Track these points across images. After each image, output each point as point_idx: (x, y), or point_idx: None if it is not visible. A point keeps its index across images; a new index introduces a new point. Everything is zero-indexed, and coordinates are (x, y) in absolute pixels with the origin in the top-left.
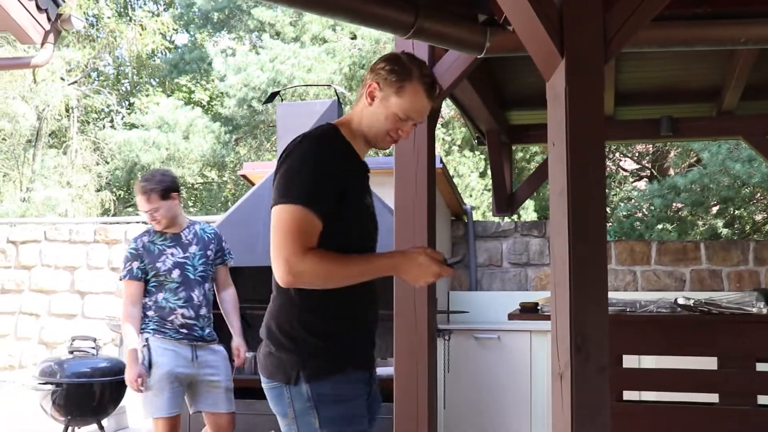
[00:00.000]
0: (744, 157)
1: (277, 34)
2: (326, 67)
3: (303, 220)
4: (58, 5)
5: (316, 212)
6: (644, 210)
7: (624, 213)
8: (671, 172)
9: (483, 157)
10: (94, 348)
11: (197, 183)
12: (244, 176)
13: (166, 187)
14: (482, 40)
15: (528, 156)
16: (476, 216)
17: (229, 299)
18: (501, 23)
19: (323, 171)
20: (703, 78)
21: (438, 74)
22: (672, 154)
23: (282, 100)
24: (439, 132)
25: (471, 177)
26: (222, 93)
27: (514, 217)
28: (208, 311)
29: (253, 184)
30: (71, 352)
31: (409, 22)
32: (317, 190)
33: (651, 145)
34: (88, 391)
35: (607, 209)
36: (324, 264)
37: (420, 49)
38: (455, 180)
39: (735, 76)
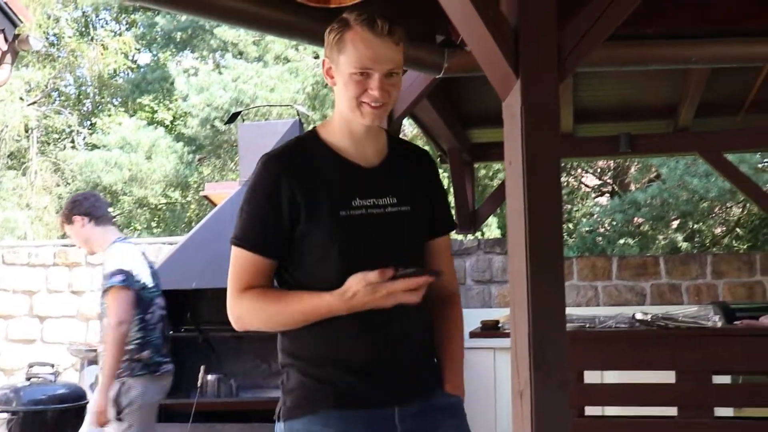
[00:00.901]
0: (701, 172)
1: (240, 53)
2: (289, 86)
3: (241, 261)
4: (15, 26)
5: (255, 251)
6: (606, 225)
7: (586, 228)
8: (632, 187)
9: (446, 174)
10: (52, 374)
11: (160, 203)
12: (206, 197)
13: (68, 212)
14: (440, 61)
15: (491, 173)
16: None
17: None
18: (458, 44)
19: (261, 202)
20: (659, 96)
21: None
22: (632, 169)
23: (243, 120)
24: None
25: None
26: (185, 113)
27: (477, 234)
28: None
29: (215, 205)
30: (28, 379)
31: None
32: (254, 226)
33: (612, 161)
34: (45, 419)
35: (570, 225)
36: (259, 306)
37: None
38: None
39: (689, 93)
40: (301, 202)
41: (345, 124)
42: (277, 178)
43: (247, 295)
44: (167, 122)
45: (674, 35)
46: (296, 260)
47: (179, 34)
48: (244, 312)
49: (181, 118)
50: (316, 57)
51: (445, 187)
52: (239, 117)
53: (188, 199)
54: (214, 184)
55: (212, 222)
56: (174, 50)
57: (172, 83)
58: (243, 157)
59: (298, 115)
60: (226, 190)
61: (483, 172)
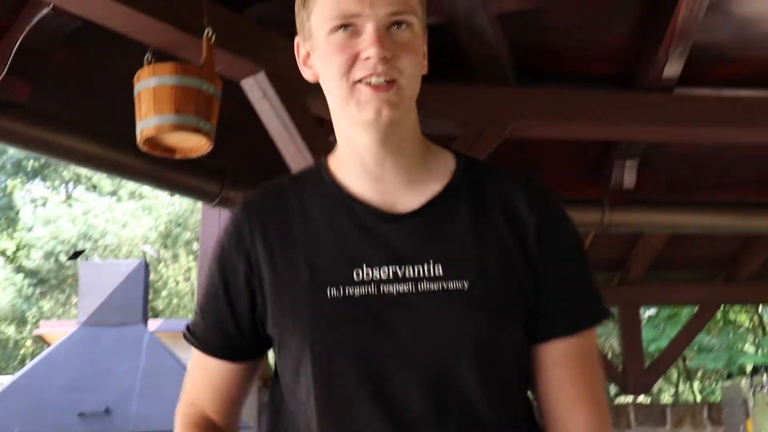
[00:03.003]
0: None
1: (94, 186)
2: (142, 222)
3: (192, 358)
4: None
5: (200, 347)
6: None
7: None
8: None
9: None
10: None
11: None
12: (40, 336)
13: None
14: None
15: None
16: None
17: None
18: None
19: (214, 273)
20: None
21: None
22: None
23: (87, 258)
24: None
25: None
26: (29, 244)
27: None
28: None
29: (49, 344)
30: None
31: (214, 191)
32: (203, 308)
33: None
34: None
35: None
36: None
37: (227, 217)
38: None
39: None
40: (265, 276)
41: (349, 143)
42: (238, 238)
43: (180, 419)
44: (9, 253)
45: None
46: (276, 373)
47: (31, 162)
48: None
49: (24, 249)
50: (172, 194)
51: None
52: (83, 255)
53: (23, 335)
54: (51, 321)
55: (43, 364)
56: (24, 178)
57: (17, 212)
58: (83, 296)
59: (144, 256)
60: (63, 329)
61: None
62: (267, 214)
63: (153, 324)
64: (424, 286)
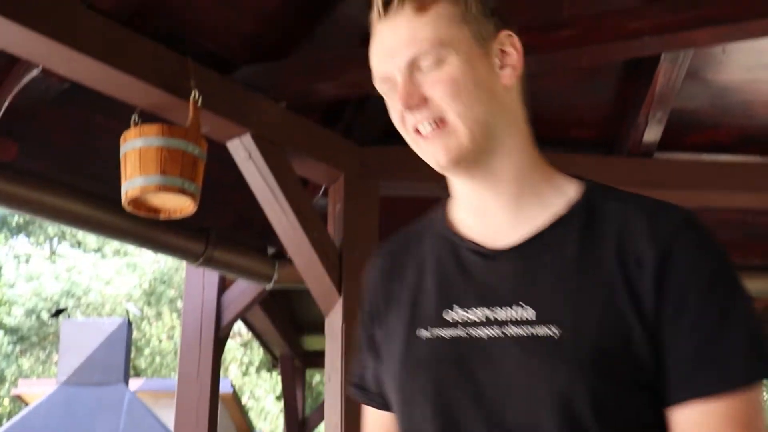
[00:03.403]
0: None
1: (78, 243)
2: (126, 280)
3: (367, 424)
4: None
5: (359, 395)
6: None
7: None
8: None
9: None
10: None
11: None
12: (18, 396)
13: None
14: (270, 272)
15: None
16: None
17: None
18: (289, 257)
19: (359, 322)
20: None
21: (228, 301)
22: None
23: (69, 316)
24: (237, 353)
25: (267, 399)
26: (10, 301)
27: None
28: None
29: (27, 404)
30: None
31: (198, 251)
32: (357, 357)
33: None
34: None
35: None
36: None
37: (211, 276)
38: (251, 402)
39: None
40: (383, 320)
41: (451, 182)
42: (371, 284)
43: None
44: None
45: None
46: None
47: (15, 218)
48: None
49: (5, 306)
50: (156, 253)
51: (279, 393)
52: (65, 312)
53: (1, 394)
54: (30, 380)
55: (20, 424)
56: (8, 234)
57: (0, 268)
58: (63, 355)
59: (128, 313)
60: (42, 388)
61: (318, 377)
62: (392, 258)
63: (135, 383)
64: (512, 330)
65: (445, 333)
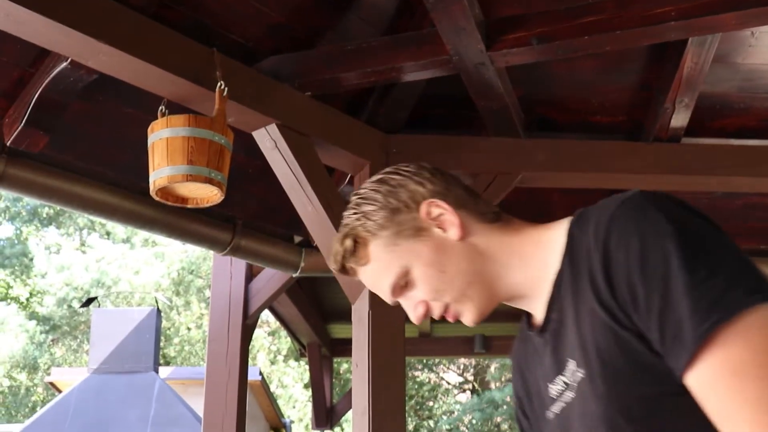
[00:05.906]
0: None
1: (108, 233)
2: (155, 270)
3: None
4: None
5: None
6: (465, 424)
7: (447, 427)
8: (492, 385)
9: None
10: None
11: (2, 386)
12: (51, 384)
13: None
14: (297, 260)
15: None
16: (299, 429)
17: None
18: (315, 245)
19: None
20: None
21: (255, 290)
22: (492, 368)
23: (99, 305)
24: (265, 341)
25: (295, 388)
26: (42, 291)
27: (337, 429)
28: None
29: (60, 392)
30: None
31: (226, 239)
32: None
33: (473, 359)
34: None
35: (431, 422)
36: None
37: (238, 265)
38: (279, 390)
39: None
40: (528, 406)
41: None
42: (513, 377)
43: None
44: (22, 299)
45: None
46: None
47: (46, 209)
48: None
49: (38, 296)
50: (184, 243)
51: (307, 381)
52: (95, 302)
53: (35, 382)
54: (62, 369)
55: (52, 413)
56: (39, 225)
57: (31, 259)
58: (94, 344)
59: (157, 303)
60: (74, 376)
61: (345, 366)
62: (522, 352)
63: (164, 371)
64: (573, 386)
65: (554, 410)
